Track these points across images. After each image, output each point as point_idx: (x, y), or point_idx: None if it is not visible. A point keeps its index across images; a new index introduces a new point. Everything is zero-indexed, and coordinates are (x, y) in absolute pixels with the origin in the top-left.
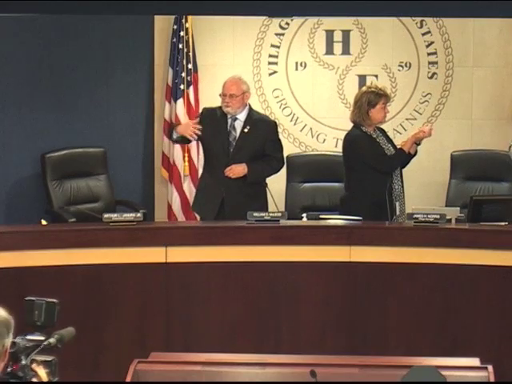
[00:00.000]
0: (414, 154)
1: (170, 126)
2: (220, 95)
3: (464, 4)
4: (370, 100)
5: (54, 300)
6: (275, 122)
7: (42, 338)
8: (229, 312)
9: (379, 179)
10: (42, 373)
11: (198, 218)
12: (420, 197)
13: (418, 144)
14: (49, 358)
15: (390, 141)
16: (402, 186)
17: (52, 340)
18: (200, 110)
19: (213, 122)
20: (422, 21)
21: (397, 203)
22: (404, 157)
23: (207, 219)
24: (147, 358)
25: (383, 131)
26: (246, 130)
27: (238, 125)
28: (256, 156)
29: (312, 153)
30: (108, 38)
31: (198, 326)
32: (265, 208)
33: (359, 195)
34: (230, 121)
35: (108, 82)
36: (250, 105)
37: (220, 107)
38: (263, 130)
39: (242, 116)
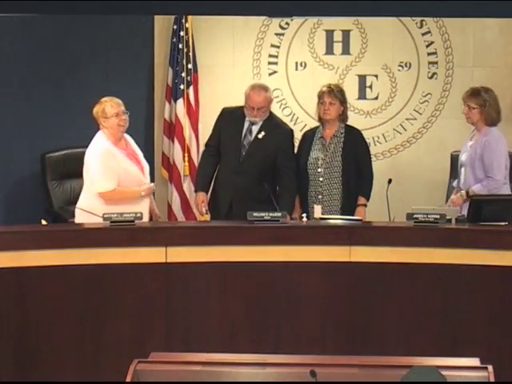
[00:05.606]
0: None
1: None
2: (245, 106)
3: (464, 4)
4: (318, 96)
5: None
6: (291, 131)
7: None
8: (229, 312)
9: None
10: None
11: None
12: (420, 197)
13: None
14: None
15: (351, 147)
16: (343, 192)
17: None
18: (200, 110)
19: (231, 123)
20: (422, 21)
21: (315, 205)
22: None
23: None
24: (147, 358)
25: (349, 134)
26: (260, 136)
27: (255, 129)
28: (266, 163)
29: None
30: (108, 37)
31: (198, 326)
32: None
33: None
34: (247, 124)
35: (108, 82)
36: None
37: (241, 107)
38: (277, 137)
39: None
